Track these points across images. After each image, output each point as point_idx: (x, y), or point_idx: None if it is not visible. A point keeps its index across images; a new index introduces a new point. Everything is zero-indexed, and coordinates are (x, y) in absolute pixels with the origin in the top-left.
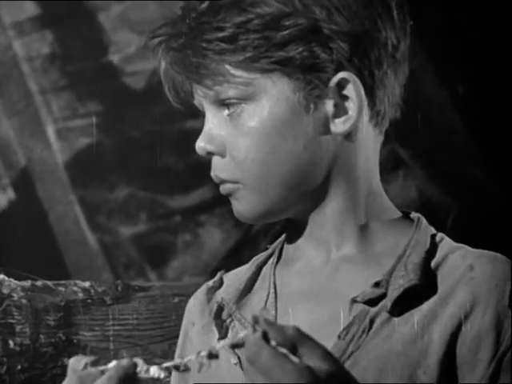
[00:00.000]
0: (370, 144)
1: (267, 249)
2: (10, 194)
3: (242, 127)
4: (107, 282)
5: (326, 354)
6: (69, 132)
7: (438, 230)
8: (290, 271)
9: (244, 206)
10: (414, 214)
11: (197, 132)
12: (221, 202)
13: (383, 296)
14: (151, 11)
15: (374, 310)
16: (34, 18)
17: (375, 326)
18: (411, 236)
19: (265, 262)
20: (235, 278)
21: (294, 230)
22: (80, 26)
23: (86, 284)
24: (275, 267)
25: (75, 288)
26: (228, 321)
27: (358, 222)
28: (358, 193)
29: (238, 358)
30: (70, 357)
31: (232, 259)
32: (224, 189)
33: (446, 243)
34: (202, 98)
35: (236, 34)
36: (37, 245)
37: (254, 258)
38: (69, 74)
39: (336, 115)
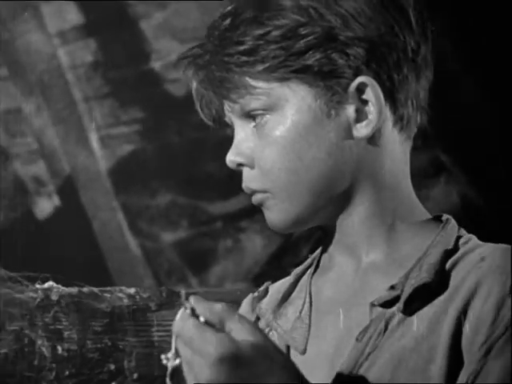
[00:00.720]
0: (396, 148)
1: (308, 257)
2: (56, 200)
3: (267, 137)
4: (152, 289)
5: (254, 329)
6: (111, 139)
7: (478, 233)
8: (324, 280)
9: (275, 214)
10: (444, 216)
11: None
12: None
13: (398, 298)
14: (193, 19)
15: (389, 311)
16: (78, 27)
17: (390, 326)
18: (434, 238)
19: (304, 272)
20: (277, 288)
21: (327, 238)
22: (122, 34)
23: (132, 290)
24: (312, 277)
25: (121, 294)
26: (266, 330)
27: (386, 227)
28: (385, 197)
29: None
30: (115, 362)
31: (273, 265)
32: (255, 199)
33: (471, 244)
34: (229, 112)
35: (256, 46)
36: (81, 251)
37: (296, 269)
38: (111, 81)
39: (358, 120)
